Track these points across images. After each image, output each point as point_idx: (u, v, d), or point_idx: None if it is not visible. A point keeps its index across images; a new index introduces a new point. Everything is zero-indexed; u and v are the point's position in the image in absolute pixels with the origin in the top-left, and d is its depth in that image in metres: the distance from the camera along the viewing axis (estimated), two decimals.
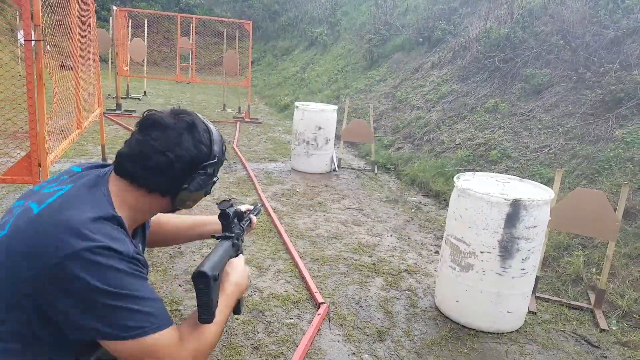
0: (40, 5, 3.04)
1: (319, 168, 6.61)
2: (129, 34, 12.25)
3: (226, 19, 10.74)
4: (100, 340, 1.09)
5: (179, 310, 2.94)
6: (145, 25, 12.71)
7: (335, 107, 6.76)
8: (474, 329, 3.06)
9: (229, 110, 11.69)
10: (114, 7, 9.12)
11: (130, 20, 12.64)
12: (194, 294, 1.22)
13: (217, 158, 1.32)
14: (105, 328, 1.07)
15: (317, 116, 6.44)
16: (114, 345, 1.09)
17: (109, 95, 11.88)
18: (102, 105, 5.47)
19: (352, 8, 17.42)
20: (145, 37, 12.65)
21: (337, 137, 7.35)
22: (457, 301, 3.12)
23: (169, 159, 1.21)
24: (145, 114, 1.28)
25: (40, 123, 3.14)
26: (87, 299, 1.05)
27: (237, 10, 24.41)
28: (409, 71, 9.63)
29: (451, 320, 3.15)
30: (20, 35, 13.58)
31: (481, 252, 2.97)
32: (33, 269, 1.05)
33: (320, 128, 6.45)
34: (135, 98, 11.89)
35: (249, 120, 10.21)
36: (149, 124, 1.24)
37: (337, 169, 6.82)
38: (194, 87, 16.19)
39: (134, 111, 9.92)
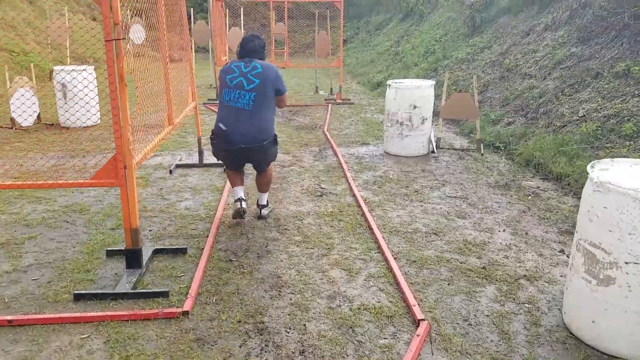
0: (119, 2, 2.84)
1: (415, 150, 6.01)
2: (227, 23, 12.37)
3: (315, 0, 10.36)
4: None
5: (263, 322, 2.63)
6: (242, 13, 12.74)
7: (432, 81, 6.07)
8: (616, 358, 2.39)
9: (321, 92, 11.36)
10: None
11: (227, 10, 12.76)
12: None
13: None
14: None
15: (411, 93, 5.83)
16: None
17: (210, 85, 12.15)
18: (196, 99, 5.36)
19: None
20: (242, 26, 12.69)
21: (436, 114, 6.67)
22: (593, 321, 2.46)
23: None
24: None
25: (125, 124, 2.98)
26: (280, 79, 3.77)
27: None
28: (518, 35, 8.53)
29: (585, 344, 2.50)
30: (131, 31, 14.39)
31: (626, 263, 2.28)
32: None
33: (415, 107, 5.84)
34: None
35: (340, 101, 9.80)
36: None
37: (435, 151, 6.17)
38: (288, 71, 16.10)
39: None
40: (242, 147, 3.61)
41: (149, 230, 3.90)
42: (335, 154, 6.05)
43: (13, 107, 6.82)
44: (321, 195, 4.67)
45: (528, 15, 8.87)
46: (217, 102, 5.40)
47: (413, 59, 11.85)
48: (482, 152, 6.06)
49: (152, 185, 4.96)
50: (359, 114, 8.72)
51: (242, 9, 12.48)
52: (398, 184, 5.00)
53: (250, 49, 3.72)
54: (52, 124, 7.32)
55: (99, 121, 7.52)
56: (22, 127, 7.01)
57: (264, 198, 4.06)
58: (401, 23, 16.73)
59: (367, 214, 4.10)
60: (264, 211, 4.07)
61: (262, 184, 4.00)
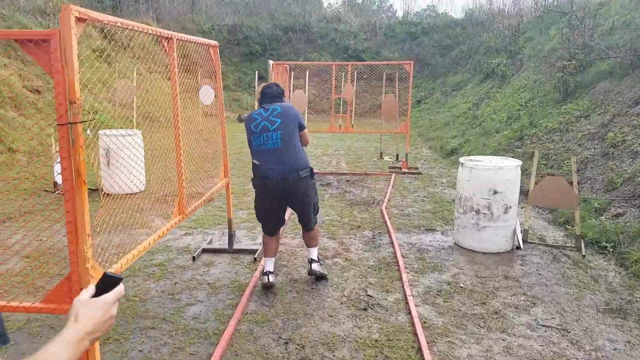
0: (76, 75, 2.08)
1: (495, 245, 4.79)
2: (291, 86, 11.99)
3: (383, 62, 9.64)
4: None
5: None
6: (307, 76, 12.34)
7: (519, 163, 4.89)
8: None
9: (386, 158, 10.40)
10: (271, 62, 8.70)
11: (292, 73, 12.42)
12: None
13: None
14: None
15: (491, 176, 4.69)
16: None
17: None
18: (229, 175, 4.63)
19: (537, 33, 14.95)
20: (307, 88, 12.25)
21: (523, 194, 5.43)
22: None
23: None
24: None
25: (82, 235, 2.19)
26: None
27: (406, 50, 23.47)
28: (623, 104, 7.14)
29: None
30: (201, 92, 14.50)
31: None
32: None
33: (496, 192, 4.68)
34: None
35: (406, 170, 8.75)
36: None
37: (522, 246, 4.91)
38: (354, 134, 15.40)
39: None
40: (280, 180, 3.67)
41: (139, 351, 3.02)
42: (392, 242, 4.97)
43: (57, 171, 6.49)
44: (365, 309, 3.59)
45: (636, 81, 7.48)
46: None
47: (494, 124, 10.64)
48: (583, 253, 4.70)
49: (167, 278, 4.15)
50: (426, 187, 7.61)
51: (307, 72, 12.08)
52: (471, 298, 3.80)
53: (270, 95, 3.89)
54: (96, 189, 6.91)
55: (143, 188, 7.04)
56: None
57: (314, 252, 4.10)
58: (481, 84, 15.63)
59: (425, 351, 2.96)
60: (315, 267, 4.03)
61: (309, 241, 4.11)
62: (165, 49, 4.03)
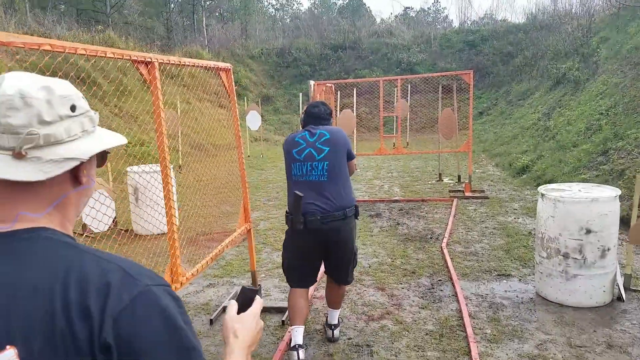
0: None
1: (590, 299, 3.70)
2: (338, 106, 11.26)
3: (437, 74, 8.67)
4: None
5: None
6: (355, 94, 11.57)
7: (617, 192, 3.78)
8: None
9: (445, 180, 9.33)
10: (312, 83, 8.02)
11: (338, 93, 11.69)
12: None
13: None
14: None
15: (583, 211, 3.62)
16: None
17: None
18: (250, 221, 3.88)
19: (613, 32, 13.37)
20: (355, 107, 11.46)
21: (621, 228, 4.28)
22: None
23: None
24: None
25: None
26: None
27: (464, 60, 22.19)
28: None
29: None
30: (248, 117, 14.09)
31: None
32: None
33: (589, 231, 3.60)
34: None
35: (470, 194, 7.66)
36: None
37: (624, 297, 3.78)
38: (411, 150, 14.36)
39: None
40: (324, 218, 3.01)
41: None
42: (456, 295, 3.99)
43: (85, 212, 6.05)
44: None
45: None
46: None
47: (570, 136, 9.30)
48: None
49: None
50: (495, 215, 6.51)
51: (355, 90, 11.30)
52: None
53: (316, 115, 3.28)
54: (127, 230, 6.42)
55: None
56: (92, 233, 6.20)
57: (336, 316, 3.42)
58: (550, 92, 14.16)
59: None
60: (337, 333, 3.40)
61: (336, 298, 3.39)
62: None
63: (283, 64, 23.76)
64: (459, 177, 9.08)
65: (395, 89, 8.37)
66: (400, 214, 6.77)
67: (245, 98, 18.95)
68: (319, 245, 3.10)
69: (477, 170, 10.19)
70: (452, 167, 10.73)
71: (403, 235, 5.77)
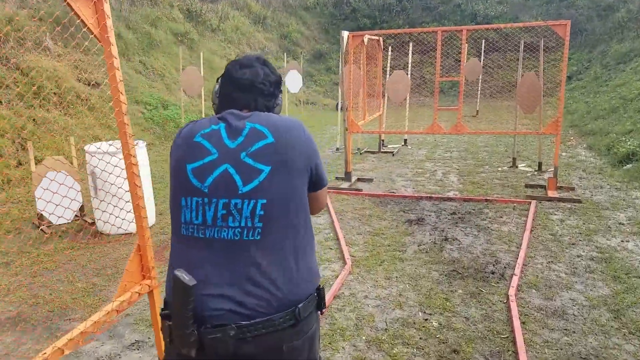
0: None
1: None
2: (388, 67, 9.22)
3: (519, 25, 6.38)
4: None
5: None
6: (410, 50, 9.43)
7: None
8: None
9: (521, 166, 7.20)
10: (345, 34, 6.10)
11: (390, 49, 9.59)
12: None
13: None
14: None
15: None
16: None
17: (337, 149, 9.08)
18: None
19: None
20: (410, 66, 9.35)
21: None
22: None
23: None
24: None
25: None
26: None
27: (552, 14, 18.92)
28: None
29: None
30: (287, 78, 12.35)
31: None
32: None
33: None
34: (388, 152, 8.70)
35: (555, 194, 5.58)
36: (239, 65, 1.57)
37: None
38: (480, 122, 12.08)
39: (371, 180, 6.69)
40: (236, 335, 1.30)
41: None
42: None
43: (40, 199, 4.67)
44: None
45: None
46: (342, 187, 4.31)
47: None
48: None
49: None
50: (592, 234, 4.46)
51: (410, 45, 9.15)
52: None
53: (244, 86, 1.52)
54: (93, 223, 5.00)
55: (152, 222, 4.99)
56: (50, 225, 4.85)
57: None
58: None
59: None
60: None
61: None
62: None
63: (340, 16, 21.52)
64: (540, 164, 6.93)
65: (462, 44, 6.25)
66: (451, 222, 4.88)
67: (293, 55, 17.15)
68: None
69: (563, 154, 7.93)
70: (532, 147, 8.50)
71: (450, 262, 3.91)
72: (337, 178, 6.78)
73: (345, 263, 3.83)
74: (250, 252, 1.35)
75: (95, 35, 1.70)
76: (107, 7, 1.67)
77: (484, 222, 4.85)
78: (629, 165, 6.78)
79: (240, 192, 1.36)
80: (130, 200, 1.92)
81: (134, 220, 1.97)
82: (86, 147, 4.70)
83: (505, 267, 3.74)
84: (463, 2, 20.57)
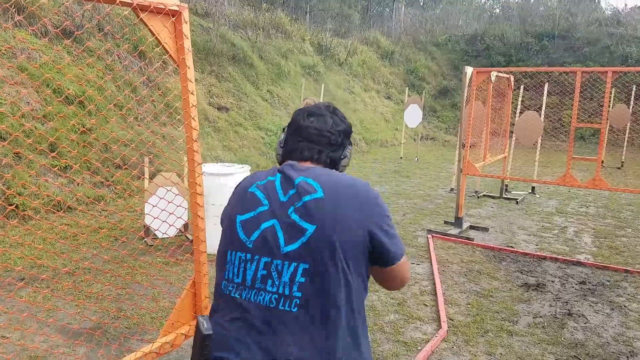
0: None
1: None
2: (518, 107, 8.50)
3: None
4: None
5: None
6: (545, 90, 8.60)
7: None
8: None
9: None
10: (469, 70, 5.70)
11: (522, 87, 8.84)
12: None
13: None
14: None
15: None
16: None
17: (451, 189, 8.42)
18: None
19: None
20: (543, 109, 8.52)
21: None
22: None
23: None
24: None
25: None
26: None
27: None
28: None
29: None
30: (406, 112, 12.06)
31: None
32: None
33: None
34: (512, 199, 7.91)
35: None
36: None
37: None
38: (625, 176, 10.58)
39: (486, 229, 6.06)
40: None
41: None
42: None
43: (148, 215, 4.91)
44: None
45: None
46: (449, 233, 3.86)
47: None
48: None
49: None
50: None
51: (546, 85, 8.29)
52: None
53: (312, 136, 1.42)
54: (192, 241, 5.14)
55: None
56: (155, 239, 5.08)
57: None
58: None
59: None
60: None
61: None
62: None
63: (472, 53, 20.77)
64: None
65: (615, 89, 5.34)
66: (579, 293, 4.12)
67: (417, 90, 16.82)
68: None
69: None
70: None
71: (572, 345, 3.22)
72: (445, 222, 6.25)
73: (440, 326, 3.35)
74: (285, 327, 1.18)
75: (170, 56, 1.59)
76: (185, 28, 1.56)
77: (620, 298, 4.01)
78: None
79: (282, 252, 1.23)
80: None
81: None
82: (204, 166, 4.88)
83: None
84: (613, 44, 18.62)
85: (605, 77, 5.15)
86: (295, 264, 1.20)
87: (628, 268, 4.67)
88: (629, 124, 11.79)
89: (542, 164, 9.94)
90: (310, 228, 1.21)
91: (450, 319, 3.49)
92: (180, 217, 4.83)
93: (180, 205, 4.84)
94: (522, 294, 4.04)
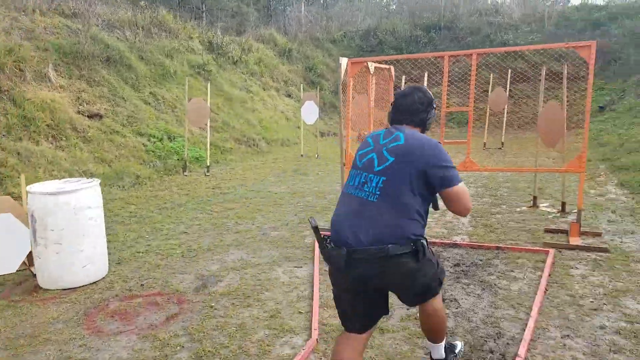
0: None
1: None
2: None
3: (536, 47, 5.69)
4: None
5: None
6: (425, 79, 8.88)
7: None
8: None
9: (542, 206, 6.43)
10: (344, 60, 5.64)
11: (403, 78, 9.06)
12: None
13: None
14: None
15: None
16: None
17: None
18: None
19: None
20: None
21: None
22: None
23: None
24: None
25: None
26: None
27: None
28: None
29: None
30: (303, 109, 11.97)
31: None
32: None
33: None
34: None
35: (577, 244, 4.80)
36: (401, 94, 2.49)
37: None
38: (505, 155, 11.30)
39: None
40: (350, 253, 2.09)
41: None
42: None
43: None
44: None
45: None
46: None
47: None
48: None
49: None
50: (620, 295, 3.67)
51: (426, 74, 8.57)
52: None
53: (405, 109, 2.44)
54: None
55: (103, 274, 4.34)
56: None
57: (437, 350, 2.51)
58: None
59: None
60: None
61: (427, 330, 2.47)
62: None
63: (367, 48, 21.27)
64: (564, 204, 6.14)
65: (492, 75, 5.51)
66: (453, 276, 4.17)
67: (319, 86, 16.83)
68: (353, 292, 2.21)
69: (591, 192, 7.10)
70: (557, 182, 7.69)
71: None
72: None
73: (310, 336, 3.18)
74: (367, 208, 2.14)
75: None
76: None
77: (491, 277, 4.13)
78: None
79: (374, 170, 2.21)
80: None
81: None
82: (29, 187, 4.16)
83: (508, 344, 3.02)
84: (492, 32, 19.98)
85: (470, 60, 5.31)
86: (379, 177, 2.17)
87: (500, 245, 4.86)
88: (506, 106, 12.63)
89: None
90: (391, 159, 2.19)
91: (323, 325, 3.33)
92: (21, 246, 4.16)
93: (19, 232, 4.14)
94: None
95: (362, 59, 5.92)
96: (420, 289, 2.22)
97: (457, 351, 2.65)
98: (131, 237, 5.61)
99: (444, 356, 2.51)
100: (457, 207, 2.19)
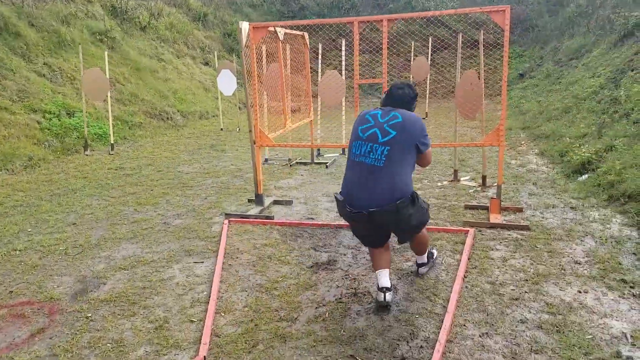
0: None
1: None
2: (319, 66, 8.15)
3: (451, 11, 5.31)
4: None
5: None
6: (343, 47, 8.40)
7: None
8: None
9: (463, 180, 6.28)
10: (244, 25, 5.01)
11: (320, 46, 8.53)
12: None
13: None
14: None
15: None
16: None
17: (266, 160, 7.98)
18: None
19: None
20: (343, 66, 8.32)
21: None
22: None
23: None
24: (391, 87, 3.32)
25: None
26: None
27: None
28: None
29: None
30: (219, 79, 11.12)
31: None
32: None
33: None
34: (322, 163, 7.67)
35: (498, 222, 4.63)
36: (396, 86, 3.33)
37: None
38: (429, 125, 11.19)
39: (290, 202, 5.58)
40: (370, 211, 2.97)
41: None
42: None
43: None
44: None
45: None
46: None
47: None
48: None
49: None
50: (541, 280, 3.49)
51: (343, 42, 8.10)
52: None
53: (398, 98, 3.30)
54: None
55: None
56: None
57: (423, 257, 3.59)
58: (615, 49, 10.63)
59: None
60: (422, 270, 3.60)
61: (416, 248, 3.52)
62: None
63: (288, 14, 20.41)
64: (484, 178, 6.00)
65: (385, 37, 5.09)
66: (368, 264, 3.83)
67: (237, 53, 15.90)
68: (371, 229, 3.16)
69: (512, 162, 7.07)
70: (478, 154, 7.61)
71: (349, 341, 2.82)
72: (249, 201, 5.67)
73: (197, 353, 2.69)
74: (377, 172, 2.99)
75: None
76: None
77: (408, 263, 3.82)
78: (584, 177, 5.95)
79: (379, 141, 3.03)
80: None
81: None
82: None
83: (421, 347, 2.70)
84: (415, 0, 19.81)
85: (381, 26, 4.88)
86: (384, 147, 3.00)
87: None
88: (429, 75, 12.50)
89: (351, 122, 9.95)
90: (393, 132, 3.01)
91: (217, 336, 2.85)
92: None
93: None
94: (309, 278, 3.60)
95: (266, 24, 5.30)
96: (416, 225, 3.18)
97: (434, 255, 3.72)
98: (11, 231, 4.83)
99: (426, 261, 3.57)
100: (426, 163, 3.24)
